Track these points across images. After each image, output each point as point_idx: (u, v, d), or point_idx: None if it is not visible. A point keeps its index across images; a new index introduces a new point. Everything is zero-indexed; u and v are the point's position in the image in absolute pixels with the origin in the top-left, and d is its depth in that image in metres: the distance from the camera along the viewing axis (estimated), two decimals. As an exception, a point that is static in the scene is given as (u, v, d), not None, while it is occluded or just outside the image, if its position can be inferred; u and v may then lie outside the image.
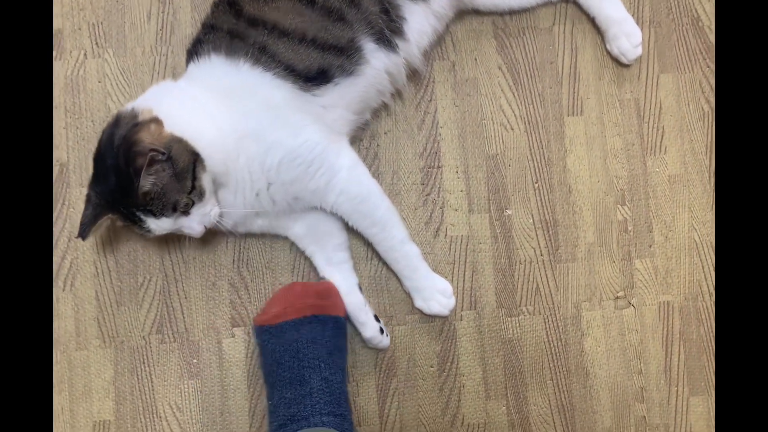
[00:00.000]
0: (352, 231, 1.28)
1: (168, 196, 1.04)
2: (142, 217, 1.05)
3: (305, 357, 1.16)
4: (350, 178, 1.17)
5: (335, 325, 1.21)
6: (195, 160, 1.05)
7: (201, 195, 1.07)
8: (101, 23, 1.34)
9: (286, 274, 1.30)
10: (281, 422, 1.14)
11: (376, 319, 1.27)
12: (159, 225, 1.07)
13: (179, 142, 1.05)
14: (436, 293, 1.27)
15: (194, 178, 1.05)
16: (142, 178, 1.00)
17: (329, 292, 1.23)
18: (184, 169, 1.04)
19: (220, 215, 1.12)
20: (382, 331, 1.27)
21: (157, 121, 1.05)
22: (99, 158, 1.08)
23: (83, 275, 1.29)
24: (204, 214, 1.09)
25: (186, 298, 1.29)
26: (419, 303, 1.29)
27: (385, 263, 1.29)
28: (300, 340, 1.17)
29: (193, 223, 1.08)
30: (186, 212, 1.07)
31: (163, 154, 1.02)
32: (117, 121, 1.07)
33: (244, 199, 1.14)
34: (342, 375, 1.20)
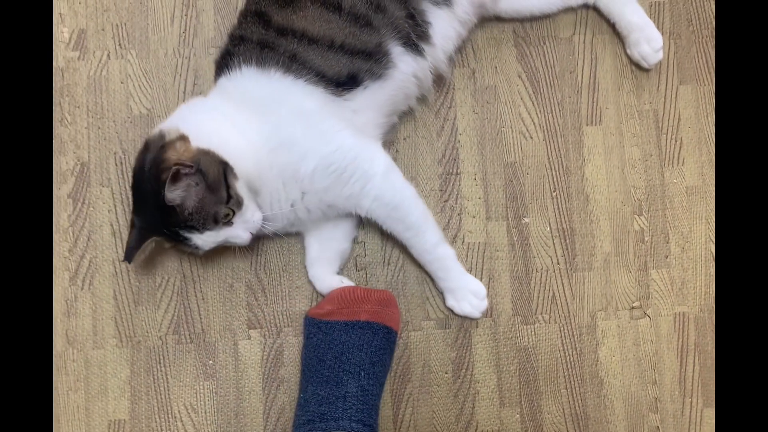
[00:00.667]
0: (371, 233, 1.31)
1: (207, 209, 1.05)
2: (187, 234, 1.07)
3: (348, 361, 1.18)
4: (384, 184, 1.18)
5: (385, 336, 1.23)
6: (225, 168, 1.07)
7: (239, 203, 1.08)
8: (125, 24, 1.36)
9: (303, 277, 1.32)
10: (310, 418, 1.16)
11: None
12: (205, 240, 1.08)
13: (207, 154, 1.07)
14: (468, 294, 1.29)
15: (228, 187, 1.07)
16: (167, 191, 1.02)
17: (389, 301, 1.25)
18: (216, 180, 1.06)
19: (264, 220, 1.13)
20: None
21: (183, 138, 1.07)
22: (135, 186, 1.10)
23: (102, 274, 1.30)
24: (246, 221, 1.10)
25: (203, 299, 1.31)
26: (450, 302, 1.30)
27: (411, 263, 1.31)
28: (347, 343, 1.19)
29: (239, 231, 1.10)
30: (229, 222, 1.09)
31: (191, 167, 1.04)
32: (146, 146, 1.10)
33: (280, 209, 1.16)
34: (379, 388, 1.21)
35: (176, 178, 1.03)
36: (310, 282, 1.31)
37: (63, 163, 1.32)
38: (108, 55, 1.35)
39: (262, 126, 1.12)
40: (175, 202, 1.04)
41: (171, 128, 1.09)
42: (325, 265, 1.29)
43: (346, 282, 1.29)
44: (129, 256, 1.14)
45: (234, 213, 1.08)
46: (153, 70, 1.35)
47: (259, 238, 1.31)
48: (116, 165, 1.32)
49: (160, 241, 1.15)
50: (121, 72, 1.35)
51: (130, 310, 1.30)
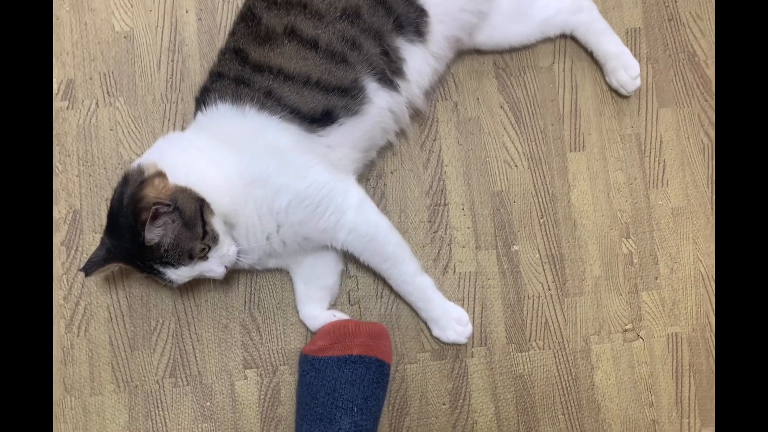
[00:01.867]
0: (363, 267, 1.33)
1: (182, 245, 1.08)
2: (161, 269, 1.10)
3: (340, 397, 1.21)
4: (359, 217, 1.21)
5: (378, 370, 1.25)
6: (201, 205, 1.10)
7: (215, 239, 1.11)
8: (112, 72, 1.41)
9: (298, 314, 1.34)
10: None
11: None
12: (179, 274, 1.11)
13: (184, 191, 1.10)
14: (452, 321, 1.32)
15: (204, 223, 1.10)
16: (147, 231, 1.05)
17: (380, 333, 1.28)
18: (192, 216, 1.09)
19: (239, 253, 1.16)
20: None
21: (161, 174, 1.10)
22: (112, 217, 1.12)
23: (97, 320, 1.33)
24: (222, 256, 1.13)
25: (198, 341, 1.34)
26: (436, 332, 1.33)
27: (398, 296, 1.33)
28: (339, 379, 1.21)
29: (213, 266, 1.13)
30: (204, 257, 1.12)
31: (168, 205, 1.07)
32: (125, 179, 1.12)
33: (256, 242, 1.19)
34: (373, 423, 1.24)
35: (155, 217, 1.06)
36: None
37: (56, 211, 1.36)
38: (96, 104, 1.40)
39: (237, 161, 1.15)
40: (153, 242, 1.07)
41: (149, 163, 1.12)
42: (315, 302, 1.32)
43: (338, 315, 1.32)
44: (89, 270, 1.15)
45: (209, 248, 1.11)
46: (141, 116, 1.40)
47: (237, 272, 1.35)
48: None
49: (132, 270, 1.16)
50: (110, 119, 1.39)
51: (126, 355, 1.33)
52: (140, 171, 1.11)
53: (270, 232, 1.19)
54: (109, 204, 1.14)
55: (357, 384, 1.22)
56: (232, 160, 1.15)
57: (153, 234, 1.06)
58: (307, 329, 1.34)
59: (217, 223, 1.12)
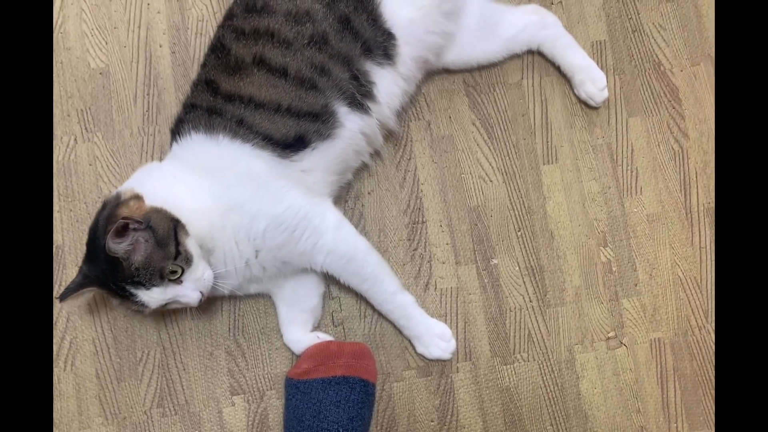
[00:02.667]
0: (345, 288, 1.36)
1: (153, 264, 1.10)
2: (133, 290, 1.11)
3: (326, 419, 1.23)
4: (336, 239, 1.25)
5: (363, 390, 1.28)
6: (176, 225, 1.12)
7: (188, 260, 1.13)
8: (89, 108, 1.45)
9: (282, 338, 1.37)
10: None
11: None
12: (151, 296, 1.12)
13: (158, 211, 1.13)
14: (434, 338, 1.34)
15: (177, 243, 1.12)
16: (108, 241, 1.06)
17: (363, 353, 1.31)
18: (165, 236, 1.11)
19: (216, 277, 1.18)
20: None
21: (137, 197, 1.14)
22: (89, 242, 1.15)
23: (83, 354, 1.36)
24: (197, 280, 1.14)
25: (185, 369, 1.36)
26: (420, 349, 1.36)
27: (381, 316, 1.36)
28: (324, 402, 1.24)
29: (188, 291, 1.14)
30: (177, 280, 1.13)
31: (139, 222, 1.09)
32: (103, 206, 1.16)
33: (234, 268, 1.22)
34: None
35: (122, 231, 1.08)
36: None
37: (38, 247, 1.39)
38: (75, 140, 1.43)
39: (213, 189, 1.18)
40: (116, 254, 1.08)
41: (127, 189, 1.16)
42: (298, 326, 1.34)
43: (322, 337, 1.34)
44: (64, 296, 1.16)
45: (183, 271, 1.13)
46: (120, 150, 1.43)
47: (220, 299, 1.37)
48: (90, 245, 1.39)
49: (108, 297, 1.19)
50: (88, 154, 1.43)
51: (113, 387, 1.35)
52: (117, 196, 1.16)
53: (248, 257, 1.22)
54: (88, 230, 1.16)
55: (342, 405, 1.25)
56: (208, 188, 1.19)
57: (116, 247, 1.08)
58: (293, 353, 1.36)
59: (191, 245, 1.14)
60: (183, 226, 1.13)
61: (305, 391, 1.26)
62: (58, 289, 1.37)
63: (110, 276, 1.11)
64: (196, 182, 1.19)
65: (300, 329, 1.35)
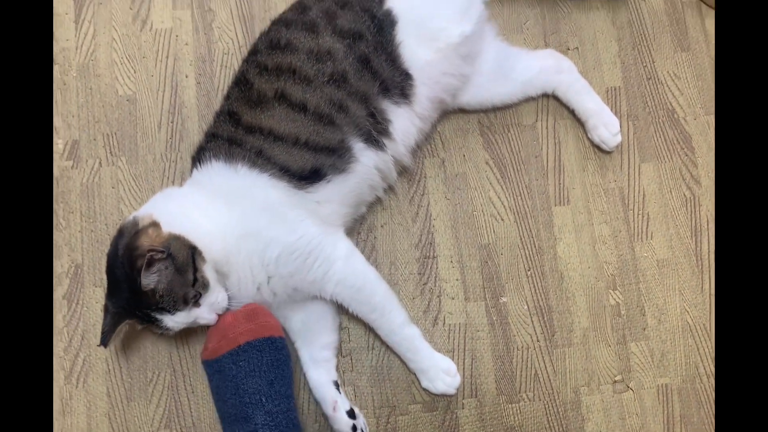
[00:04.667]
0: (354, 319, 1.42)
1: (175, 291, 1.18)
2: (158, 316, 1.20)
3: (245, 392, 1.25)
4: (347, 268, 1.31)
5: (272, 349, 1.29)
6: (194, 252, 1.20)
7: (205, 285, 1.21)
8: (115, 133, 1.54)
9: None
10: None
11: (352, 415, 1.36)
12: (175, 320, 1.21)
13: (177, 238, 1.20)
14: (440, 372, 1.39)
15: (195, 270, 1.20)
16: (143, 277, 1.15)
17: (256, 312, 1.31)
18: (184, 263, 1.19)
19: (231, 299, 1.26)
20: (355, 428, 1.35)
21: (155, 224, 1.21)
22: (109, 270, 1.23)
23: (96, 372, 1.43)
24: (212, 303, 1.23)
25: (193, 392, 1.42)
26: (425, 383, 1.41)
27: (388, 347, 1.41)
28: (239, 375, 1.26)
29: (204, 313, 1.23)
30: (196, 303, 1.21)
31: (162, 252, 1.17)
32: (120, 232, 1.23)
33: (247, 292, 1.29)
34: (287, 402, 1.28)
35: (150, 263, 1.16)
36: (297, 372, 1.41)
37: (58, 266, 1.47)
38: (100, 163, 1.52)
39: (230, 215, 1.26)
40: (149, 287, 1.16)
41: (144, 215, 1.23)
42: (321, 369, 1.39)
43: (341, 402, 1.37)
44: (105, 341, 1.24)
45: (201, 295, 1.21)
46: (142, 174, 1.52)
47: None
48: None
49: (133, 324, 1.26)
50: (112, 178, 1.52)
51: (123, 407, 1.42)
52: (135, 223, 1.22)
53: (260, 282, 1.29)
54: (106, 259, 1.24)
55: (257, 373, 1.27)
56: (225, 214, 1.26)
57: (149, 280, 1.16)
58: (301, 375, 1.41)
59: (208, 271, 1.22)
60: (200, 253, 1.21)
61: (219, 369, 1.29)
62: (71, 309, 1.45)
63: (136, 305, 1.19)
64: (214, 208, 1.26)
65: (323, 372, 1.39)
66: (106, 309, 1.24)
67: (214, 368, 1.30)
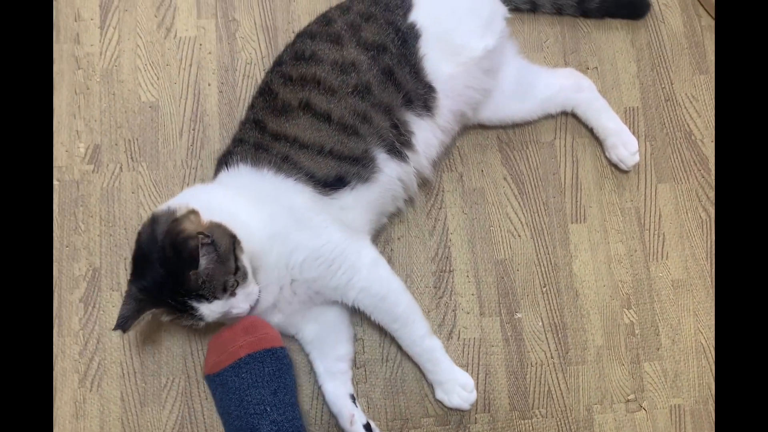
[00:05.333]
0: (369, 330, 1.44)
1: (216, 278, 1.18)
2: (195, 304, 1.19)
3: (249, 404, 1.26)
4: (371, 277, 1.32)
5: (273, 359, 1.30)
6: (234, 241, 1.21)
7: (244, 275, 1.22)
8: (137, 139, 1.56)
9: (304, 375, 1.44)
10: None
11: (368, 429, 1.36)
12: (212, 309, 1.20)
13: (219, 226, 1.21)
14: (457, 386, 1.40)
15: (236, 258, 1.21)
16: (201, 257, 1.15)
17: (255, 324, 1.32)
18: (226, 251, 1.20)
19: (260, 291, 1.26)
20: None
21: (194, 212, 1.21)
22: (140, 256, 1.22)
23: (110, 376, 1.44)
24: (248, 294, 1.24)
25: (207, 399, 1.43)
26: (440, 395, 1.41)
27: (403, 359, 1.43)
28: (242, 387, 1.27)
29: (240, 302, 1.23)
30: (233, 293, 1.22)
31: (208, 237, 1.18)
32: (155, 219, 1.23)
33: (269, 291, 1.30)
34: (292, 410, 1.29)
35: (203, 245, 1.16)
36: (310, 381, 1.43)
37: (76, 269, 1.48)
38: (120, 168, 1.54)
39: (259, 216, 1.28)
40: (202, 269, 1.16)
41: (180, 204, 1.24)
42: (337, 381, 1.39)
43: (357, 416, 1.37)
44: (124, 326, 1.21)
45: (238, 284, 1.22)
46: (162, 180, 1.54)
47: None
48: (126, 270, 1.48)
49: (158, 314, 1.25)
50: (132, 183, 1.54)
51: (136, 411, 1.42)
52: (172, 211, 1.22)
53: (284, 284, 1.30)
54: (135, 245, 1.24)
55: (260, 384, 1.28)
56: (256, 214, 1.28)
57: (204, 261, 1.16)
58: (315, 386, 1.43)
59: (246, 261, 1.23)
60: (239, 242, 1.22)
61: (222, 383, 1.30)
62: (88, 313, 1.46)
63: (170, 291, 1.18)
64: (243, 205, 1.28)
65: (340, 385, 1.39)
66: (128, 294, 1.23)
67: (216, 382, 1.31)
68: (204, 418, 1.42)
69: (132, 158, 1.55)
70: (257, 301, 1.27)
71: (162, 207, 1.26)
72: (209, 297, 1.19)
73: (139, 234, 1.25)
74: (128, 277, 1.25)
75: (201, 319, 1.22)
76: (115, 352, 1.45)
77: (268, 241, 1.27)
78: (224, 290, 1.20)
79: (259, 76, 1.59)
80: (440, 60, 1.38)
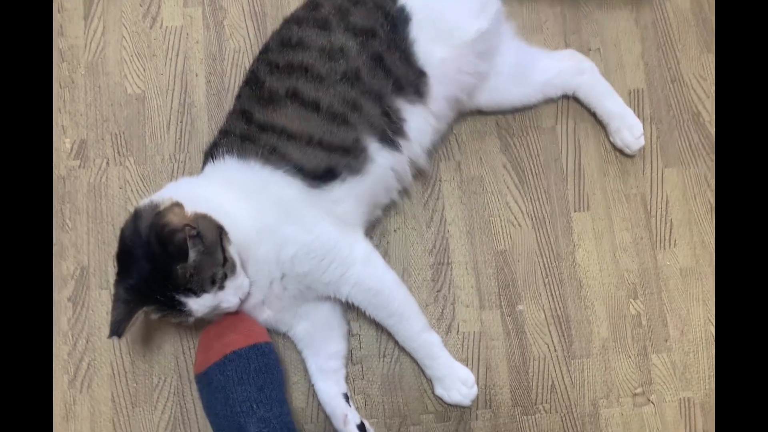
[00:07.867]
0: (366, 326, 1.43)
1: (204, 271, 1.17)
2: (183, 299, 1.18)
3: (236, 402, 1.25)
4: (364, 272, 1.31)
5: (259, 355, 1.29)
6: (221, 232, 1.20)
7: (233, 267, 1.20)
8: (123, 133, 1.55)
9: (300, 373, 1.43)
10: None
11: (362, 429, 1.35)
12: (200, 303, 1.19)
13: (204, 217, 1.20)
14: (457, 382, 1.38)
15: (224, 250, 1.19)
16: (190, 249, 1.14)
17: (241, 320, 1.31)
18: (213, 242, 1.18)
19: (250, 285, 1.25)
20: None
21: (179, 204, 1.20)
22: (125, 253, 1.21)
23: (100, 376, 1.43)
24: (237, 287, 1.22)
25: (199, 398, 1.42)
26: (439, 391, 1.39)
27: (401, 355, 1.41)
28: (227, 385, 1.26)
29: (229, 296, 1.22)
30: (222, 287, 1.20)
31: (194, 228, 1.16)
32: (138, 214, 1.22)
33: (259, 285, 1.28)
34: (280, 406, 1.28)
35: (190, 237, 1.14)
36: (306, 379, 1.42)
37: (63, 267, 1.48)
38: (107, 163, 1.53)
39: (248, 208, 1.26)
40: (190, 261, 1.15)
41: (163, 198, 1.22)
42: (330, 380, 1.38)
43: (351, 416, 1.36)
44: (118, 331, 1.21)
45: (227, 276, 1.20)
46: (150, 175, 1.52)
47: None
48: (115, 267, 1.46)
49: (149, 313, 1.23)
50: (119, 178, 1.52)
51: (127, 412, 1.42)
52: (155, 205, 1.21)
53: (274, 278, 1.29)
54: (119, 243, 1.22)
55: (245, 380, 1.27)
56: (245, 206, 1.26)
57: (192, 252, 1.14)
58: (310, 386, 1.41)
59: (234, 252, 1.21)
60: (226, 233, 1.21)
61: (208, 381, 1.29)
62: (77, 312, 1.45)
63: (158, 287, 1.17)
64: (231, 197, 1.26)
65: (332, 384, 1.38)
66: (116, 297, 1.21)
67: (203, 382, 1.31)
68: (197, 418, 1.41)
69: (119, 153, 1.54)
70: (248, 294, 1.26)
71: (144, 201, 1.24)
72: (197, 291, 1.18)
73: (122, 231, 1.23)
74: (114, 278, 1.23)
75: (190, 314, 1.20)
76: (105, 352, 1.44)
77: (257, 235, 1.26)
78: (213, 283, 1.19)
79: (248, 64, 1.57)
80: (432, 44, 1.35)
